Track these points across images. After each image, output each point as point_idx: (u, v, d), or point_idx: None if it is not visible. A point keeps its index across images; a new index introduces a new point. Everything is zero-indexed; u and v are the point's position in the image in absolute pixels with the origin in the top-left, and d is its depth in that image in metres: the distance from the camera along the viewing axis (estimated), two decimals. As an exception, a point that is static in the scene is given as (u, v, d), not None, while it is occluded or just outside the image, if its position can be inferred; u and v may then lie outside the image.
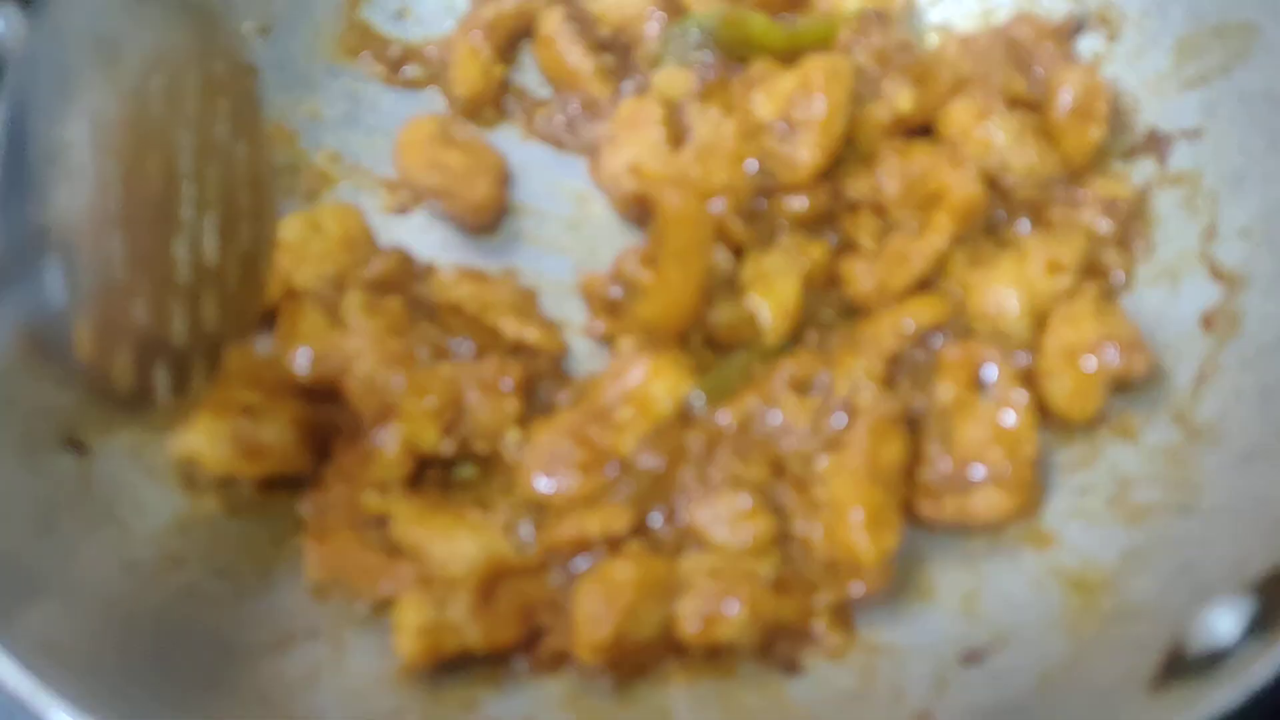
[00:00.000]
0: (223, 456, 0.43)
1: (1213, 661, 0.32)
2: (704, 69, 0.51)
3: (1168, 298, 0.48)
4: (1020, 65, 0.52)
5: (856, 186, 0.49)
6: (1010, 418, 0.43)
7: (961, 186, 0.47)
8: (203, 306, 0.39)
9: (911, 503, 0.43)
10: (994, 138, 0.49)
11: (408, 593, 0.41)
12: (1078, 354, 0.44)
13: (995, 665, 0.40)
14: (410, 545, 0.43)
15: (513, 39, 0.57)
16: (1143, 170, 0.51)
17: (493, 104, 0.56)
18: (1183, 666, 0.33)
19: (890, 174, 0.48)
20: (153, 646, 0.38)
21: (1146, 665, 0.34)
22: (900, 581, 0.43)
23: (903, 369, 0.45)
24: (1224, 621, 0.33)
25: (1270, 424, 0.41)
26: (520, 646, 0.43)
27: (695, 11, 0.53)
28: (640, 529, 0.44)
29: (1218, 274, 0.47)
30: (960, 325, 0.46)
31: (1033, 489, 0.43)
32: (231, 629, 0.42)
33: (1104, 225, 0.48)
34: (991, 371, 0.44)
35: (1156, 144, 0.52)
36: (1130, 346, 0.43)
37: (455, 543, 0.43)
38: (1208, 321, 0.47)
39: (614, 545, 0.43)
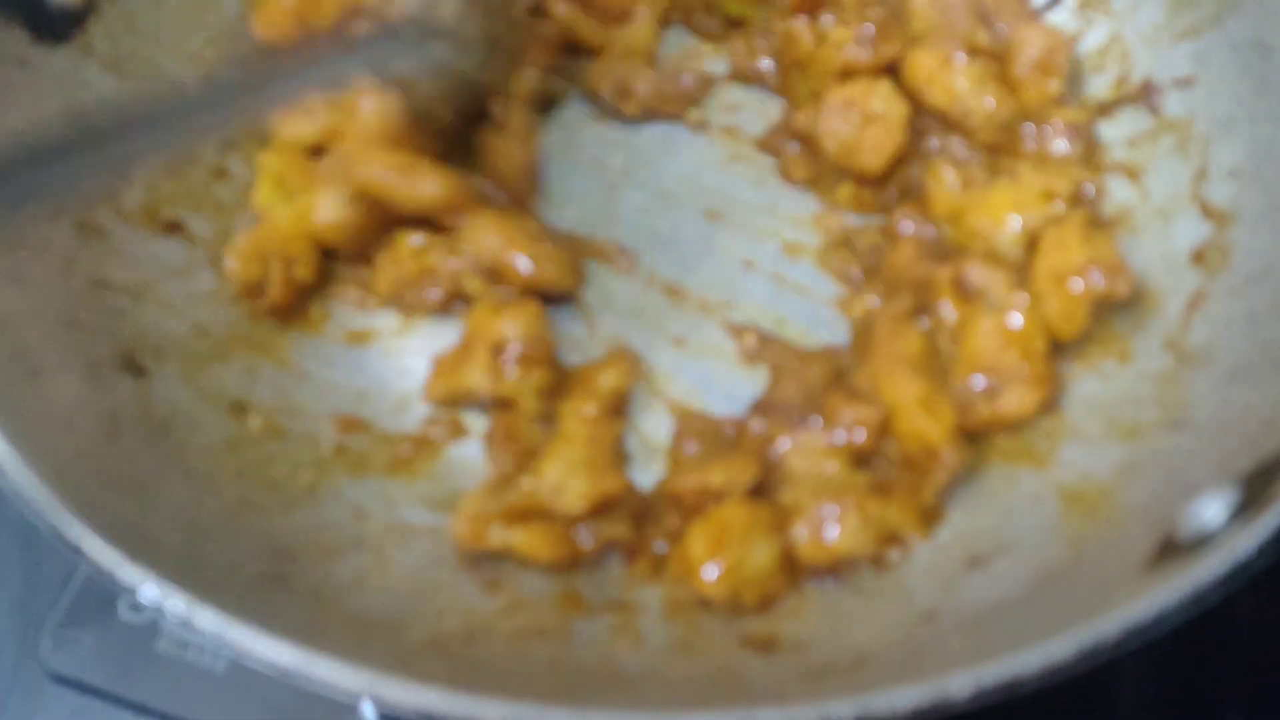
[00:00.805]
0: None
1: (1201, 543, 0.34)
2: None
3: (1161, 237, 0.51)
4: (983, 20, 0.55)
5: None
6: (1016, 320, 0.46)
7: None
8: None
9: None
10: (955, 83, 0.52)
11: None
12: (1065, 277, 0.47)
13: (997, 569, 0.43)
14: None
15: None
16: (1136, 120, 0.54)
17: None
18: (1174, 550, 0.35)
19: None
20: (215, 545, 0.41)
21: (1140, 555, 0.37)
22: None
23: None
24: (1211, 509, 0.36)
25: (1255, 345, 0.44)
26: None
27: None
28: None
29: (1208, 212, 0.50)
30: (953, 246, 0.49)
31: (1053, 381, 0.47)
32: (284, 536, 0.45)
33: (1066, 147, 0.52)
34: (989, 283, 0.47)
35: (1150, 93, 0.54)
36: (1113, 270, 0.46)
37: (570, 476, 0.45)
38: (1199, 256, 0.49)
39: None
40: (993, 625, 0.38)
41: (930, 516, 0.46)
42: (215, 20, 0.56)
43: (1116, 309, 0.49)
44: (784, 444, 0.47)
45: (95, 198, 0.49)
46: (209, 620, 0.33)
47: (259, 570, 0.41)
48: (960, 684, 0.31)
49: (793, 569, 0.45)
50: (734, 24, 0.58)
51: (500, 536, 0.45)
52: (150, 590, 0.34)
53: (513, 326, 0.49)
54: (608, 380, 0.49)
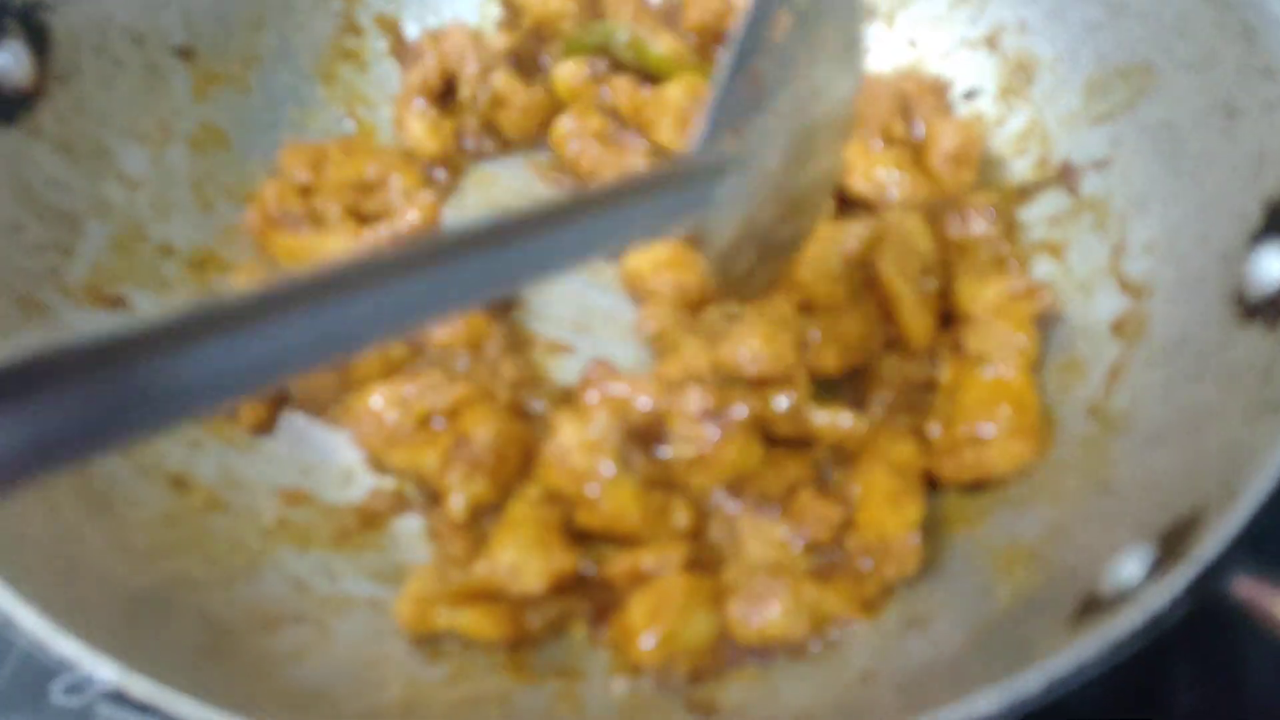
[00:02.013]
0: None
1: (1121, 599, 0.36)
2: (596, 66, 0.58)
3: (1083, 309, 0.53)
4: (903, 113, 0.58)
5: None
6: (1009, 375, 0.47)
7: None
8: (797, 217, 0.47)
9: (932, 469, 0.48)
10: (874, 170, 0.56)
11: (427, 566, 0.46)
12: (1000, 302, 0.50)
13: (934, 631, 0.44)
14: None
15: (447, 93, 0.62)
16: (1057, 200, 0.57)
17: (456, 154, 0.61)
18: (1096, 605, 0.37)
19: None
20: (150, 619, 0.41)
21: (1065, 610, 0.38)
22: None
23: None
24: (1130, 566, 0.38)
25: (1172, 410, 0.46)
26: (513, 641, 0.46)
27: (611, 20, 0.59)
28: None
29: (1126, 286, 0.52)
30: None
31: (1044, 432, 0.48)
32: (223, 610, 0.45)
33: (985, 228, 0.54)
34: (984, 346, 0.50)
35: (1069, 174, 0.57)
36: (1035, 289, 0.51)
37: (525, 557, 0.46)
38: (1118, 327, 0.51)
39: None
40: (927, 683, 0.39)
41: (874, 604, 0.46)
42: (166, 103, 0.58)
43: (1049, 376, 0.51)
44: (744, 525, 0.48)
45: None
46: (142, 690, 0.33)
47: (195, 643, 0.41)
48: (889, 738, 0.31)
49: (728, 644, 0.45)
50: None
51: (446, 618, 0.45)
52: (84, 662, 0.33)
53: (485, 431, 0.49)
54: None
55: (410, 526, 0.51)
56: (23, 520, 0.41)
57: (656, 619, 0.45)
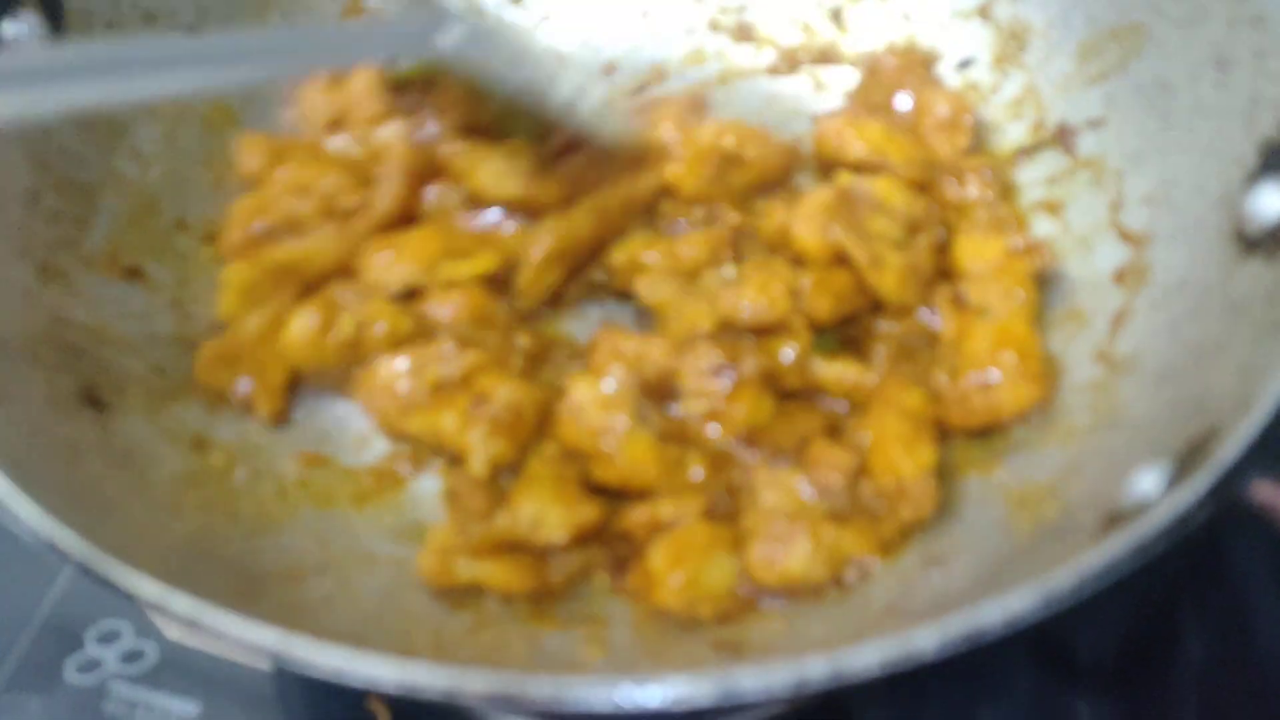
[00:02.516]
0: None
1: (1141, 511, 0.36)
2: None
3: (1083, 262, 0.54)
4: (886, 88, 0.59)
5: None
6: (1011, 323, 0.49)
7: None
8: None
9: (942, 417, 0.49)
10: (867, 132, 0.57)
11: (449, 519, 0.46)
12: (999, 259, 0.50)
13: (954, 567, 0.45)
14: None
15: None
16: (1054, 161, 0.58)
17: None
18: (1119, 520, 0.37)
19: None
20: (183, 566, 0.41)
21: (1087, 533, 0.39)
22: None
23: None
24: (1149, 481, 0.38)
25: (1178, 347, 0.47)
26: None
27: None
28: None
29: (1126, 237, 0.53)
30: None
31: (1049, 374, 0.49)
32: (250, 561, 0.45)
33: (982, 191, 0.56)
34: (983, 297, 0.51)
35: (1065, 135, 0.58)
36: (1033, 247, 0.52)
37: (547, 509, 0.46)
38: (1120, 277, 0.53)
39: None
40: (952, 608, 0.39)
41: (892, 545, 0.47)
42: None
43: (1052, 328, 0.52)
44: (759, 476, 0.48)
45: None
46: (184, 605, 0.33)
47: (229, 588, 0.41)
48: (926, 637, 0.32)
49: (750, 588, 0.46)
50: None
51: (469, 570, 0.46)
52: (116, 574, 0.34)
53: (503, 390, 0.50)
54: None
55: (427, 488, 0.51)
56: (49, 470, 0.41)
57: (679, 565, 0.45)
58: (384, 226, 0.54)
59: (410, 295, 0.53)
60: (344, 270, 0.53)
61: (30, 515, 0.34)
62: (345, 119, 0.58)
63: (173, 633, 0.56)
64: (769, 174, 0.58)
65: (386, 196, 0.55)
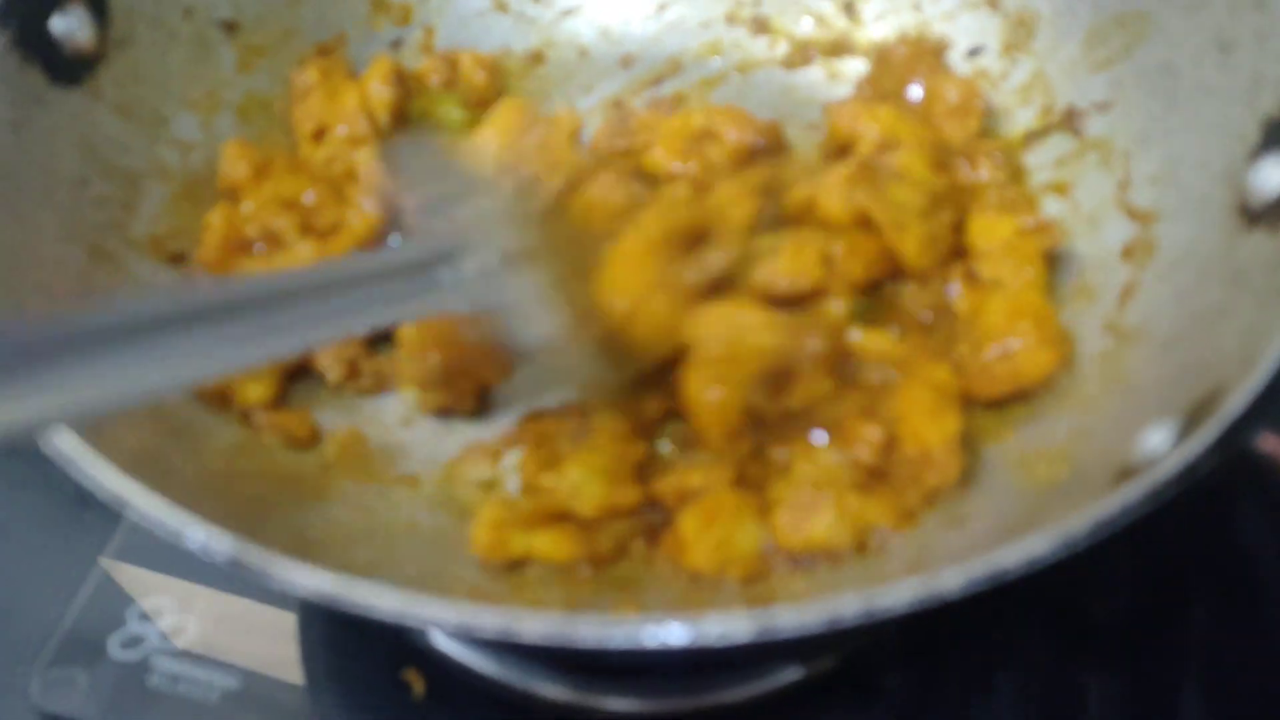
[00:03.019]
0: None
1: (1151, 464, 0.38)
2: None
3: (1092, 240, 0.56)
4: (897, 76, 0.61)
5: None
6: (1024, 294, 0.52)
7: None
8: None
9: (966, 389, 0.51)
10: (881, 114, 0.59)
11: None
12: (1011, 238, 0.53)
13: (972, 528, 0.47)
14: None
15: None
16: (1062, 143, 0.60)
17: None
18: (1130, 474, 0.39)
19: None
20: (242, 528, 0.42)
21: (1100, 487, 0.41)
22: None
23: None
24: (1158, 436, 0.40)
25: (1184, 316, 0.49)
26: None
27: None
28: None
29: (1133, 214, 0.55)
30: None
31: (1065, 339, 0.52)
32: (298, 528, 0.47)
33: (993, 173, 0.58)
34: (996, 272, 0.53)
35: (1073, 119, 0.60)
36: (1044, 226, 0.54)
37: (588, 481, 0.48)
38: (1128, 252, 0.55)
39: None
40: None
41: (909, 516, 0.49)
42: (213, 74, 0.60)
43: (1063, 303, 0.54)
44: (794, 451, 0.50)
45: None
46: (257, 557, 0.35)
47: (286, 548, 0.43)
48: (951, 577, 0.34)
49: (775, 552, 0.48)
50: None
51: (522, 542, 0.48)
52: (195, 533, 0.36)
53: None
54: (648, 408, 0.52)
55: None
56: (110, 432, 0.43)
57: (709, 529, 0.47)
58: (361, 247, 0.56)
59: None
60: None
61: (108, 476, 0.36)
62: (330, 130, 0.60)
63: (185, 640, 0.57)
64: (747, 147, 0.60)
65: (363, 218, 0.57)
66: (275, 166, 0.58)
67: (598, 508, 0.48)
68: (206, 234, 0.56)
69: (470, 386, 0.53)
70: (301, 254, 0.54)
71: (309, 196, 0.57)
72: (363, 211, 0.56)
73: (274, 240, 0.56)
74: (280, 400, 0.53)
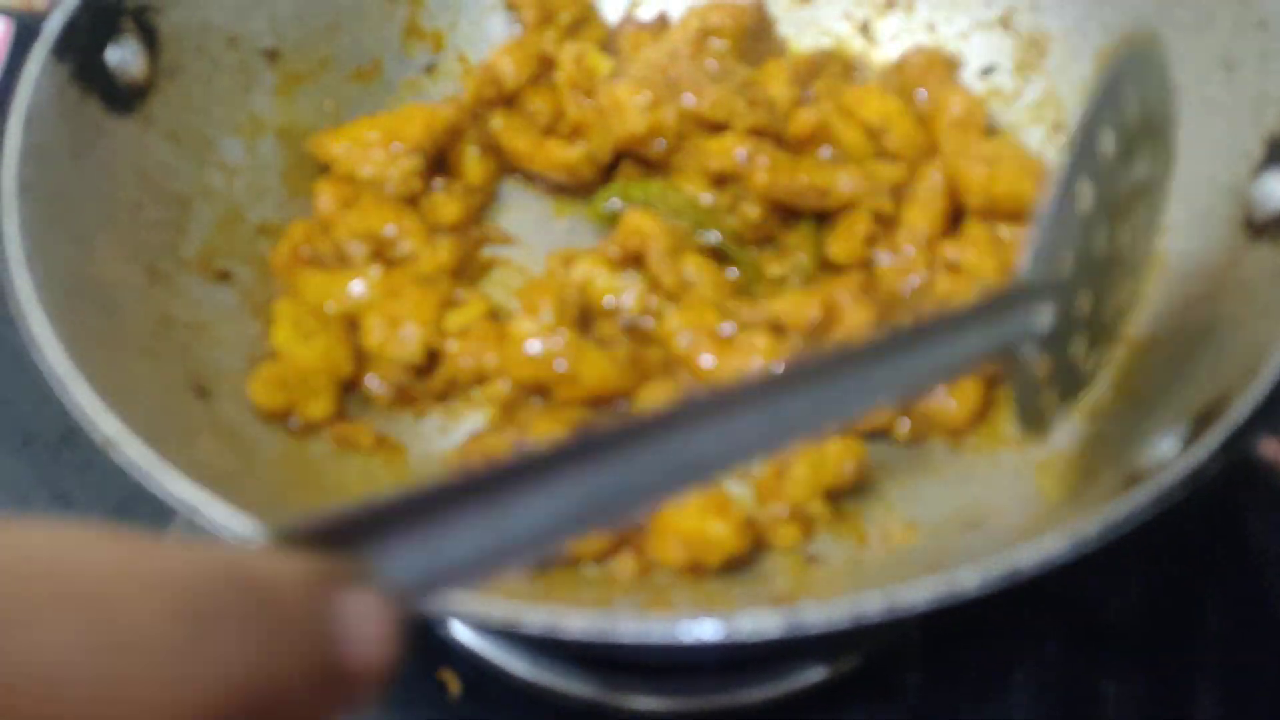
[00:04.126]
0: None
1: (1161, 468, 0.40)
2: None
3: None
4: (909, 83, 0.64)
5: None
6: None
7: None
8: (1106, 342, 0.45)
9: None
10: (880, 103, 0.61)
11: None
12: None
13: (990, 529, 0.49)
14: None
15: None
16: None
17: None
18: (1139, 479, 0.41)
19: None
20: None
21: (1111, 492, 0.43)
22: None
23: None
24: (1166, 443, 0.42)
25: (1192, 328, 0.51)
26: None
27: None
28: None
29: (1142, 229, 0.57)
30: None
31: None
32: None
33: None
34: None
35: (1085, 135, 0.62)
36: None
37: None
38: (1137, 266, 0.57)
39: None
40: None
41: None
42: (257, 100, 0.63)
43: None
44: None
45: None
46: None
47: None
48: (969, 576, 0.36)
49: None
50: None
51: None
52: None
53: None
54: None
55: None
56: (173, 443, 0.45)
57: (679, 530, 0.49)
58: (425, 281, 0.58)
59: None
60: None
61: (178, 485, 0.39)
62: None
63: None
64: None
65: (434, 257, 0.59)
66: (364, 199, 0.60)
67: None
68: (284, 240, 0.59)
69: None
70: (370, 275, 0.57)
71: (390, 230, 0.59)
72: (436, 251, 0.59)
73: (343, 259, 0.58)
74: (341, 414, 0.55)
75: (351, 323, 0.56)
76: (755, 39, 0.65)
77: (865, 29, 0.70)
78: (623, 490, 0.25)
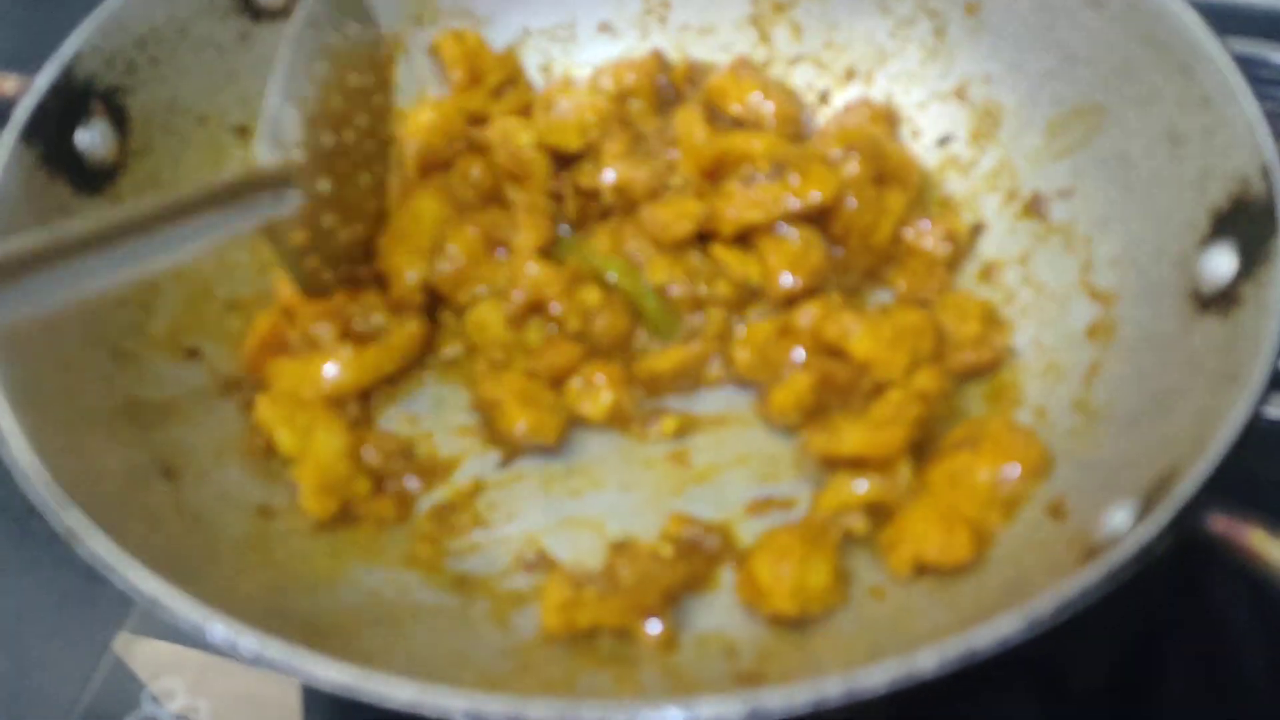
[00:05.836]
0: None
1: (1115, 542, 0.41)
2: None
3: (1059, 320, 0.60)
4: (846, 136, 0.66)
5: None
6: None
7: None
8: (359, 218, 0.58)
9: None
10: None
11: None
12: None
13: (958, 590, 0.50)
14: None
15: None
16: (1030, 226, 0.64)
17: None
18: (1095, 553, 0.42)
19: None
20: (255, 623, 0.45)
21: (1070, 562, 0.44)
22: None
23: None
24: (1120, 516, 0.43)
25: (1145, 396, 0.52)
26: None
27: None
28: None
29: (1095, 295, 0.59)
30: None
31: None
32: (312, 614, 0.49)
33: (944, 249, 0.62)
34: None
35: (1038, 204, 0.64)
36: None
37: None
38: (1091, 332, 0.58)
39: None
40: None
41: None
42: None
43: (1033, 380, 0.57)
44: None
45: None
46: (279, 652, 0.38)
47: (298, 639, 0.45)
48: (926, 658, 0.37)
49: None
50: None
51: (588, 616, 0.50)
52: (218, 629, 0.38)
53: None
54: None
55: (476, 539, 0.56)
56: (136, 533, 0.45)
57: (781, 569, 0.50)
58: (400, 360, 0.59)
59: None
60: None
61: (139, 577, 0.39)
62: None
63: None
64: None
65: (405, 333, 0.60)
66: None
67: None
68: (250, 336, 0.59)
69: None
70: (340, 356, 0.57)
71: (353, 308, 0.59)
72: (406, 327, 0.59)
73: (312, 344, 0.58)
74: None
75: (335, 400, 0.57)
76: (662, 89, 0.68)
77: (825, 98, 0.71)
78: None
